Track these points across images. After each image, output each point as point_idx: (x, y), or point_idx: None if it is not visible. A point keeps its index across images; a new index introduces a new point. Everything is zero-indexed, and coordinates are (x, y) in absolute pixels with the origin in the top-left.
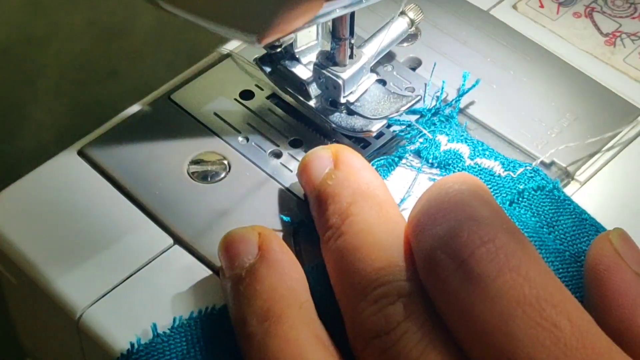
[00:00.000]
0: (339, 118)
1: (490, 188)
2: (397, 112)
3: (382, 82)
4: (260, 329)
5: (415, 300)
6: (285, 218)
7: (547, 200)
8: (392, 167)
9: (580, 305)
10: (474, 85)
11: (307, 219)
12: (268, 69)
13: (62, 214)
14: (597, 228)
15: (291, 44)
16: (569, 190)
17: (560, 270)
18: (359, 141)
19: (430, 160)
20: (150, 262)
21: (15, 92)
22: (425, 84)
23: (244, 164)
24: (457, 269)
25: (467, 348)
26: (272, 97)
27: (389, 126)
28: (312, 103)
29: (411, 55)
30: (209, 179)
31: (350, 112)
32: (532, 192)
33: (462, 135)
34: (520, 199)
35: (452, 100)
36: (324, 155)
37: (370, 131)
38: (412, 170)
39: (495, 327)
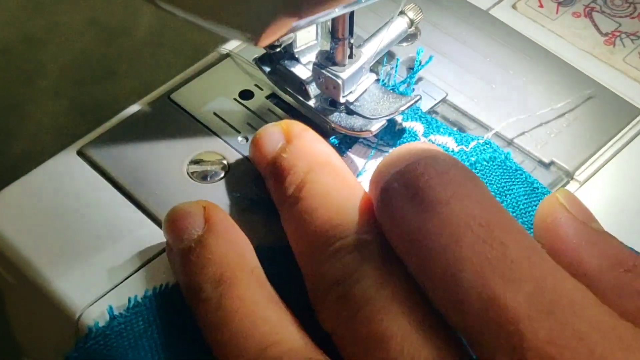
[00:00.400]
0: (338, 118)
1: None
2: (396, 111)
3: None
4: (215, 294)
5: (372, 249)
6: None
7: (500, 170)
8: (349, 145)
9: (527, 232)
10: (428, 61)
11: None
12: (267, 69)
13: (61, 213)
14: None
15: (291, 44)
16: (569, 190)
17: None
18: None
19: (384, 139)
20: (150, 261)
21: (15, 91)
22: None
23: (243, 164)
24: (411, 197)
25: (420, 276)
26: (272, 97)
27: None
28: (311, 103)
29: (411, 55)
30: (208, 178)
31: (350, 112)
32: (484, 163)
33: (417, 113)
34: (473, 170)
35: (407, 76)
36: (275, 131)
37: (369, 131)
38: (369, 149)
39: (446, 248)
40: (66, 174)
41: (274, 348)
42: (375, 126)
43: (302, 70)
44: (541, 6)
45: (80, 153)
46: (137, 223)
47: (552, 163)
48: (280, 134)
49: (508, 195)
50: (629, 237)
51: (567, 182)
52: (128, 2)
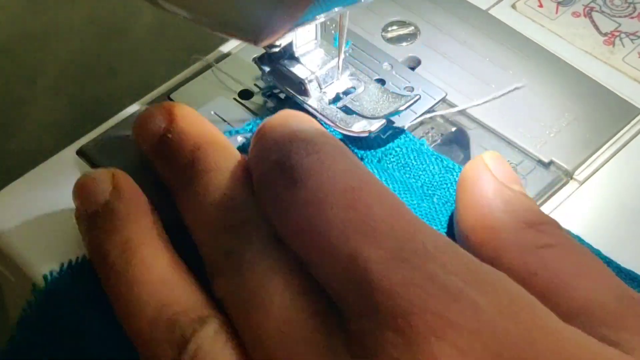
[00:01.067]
0: (337, 117)
1: (361, 149)
2: (395, 111)
3: (382, 81)
4: (120, 259)
5: (259, 222)
6: None
7: (414, 154)
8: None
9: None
10: (347, 44)
11: None
12: (267, 69)
13: (61, 213)
14: None
15: (290, 43)
16: (568, 189)
17: (431, 212)
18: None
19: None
20: None
21: (14, 90)
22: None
23: None
24: (285, 180)
25: (295, 246)
26: (272, 97)
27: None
28: (311, 102)
29: (410, 55)
30: None
31: (349, 112)
32: (398, 149)
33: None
34: (388, 155)
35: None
36: (156, 112)
37: (369, 130)
38: None
39: (313, 216)
40: (66, 173)
41: (170, 308)
42: (375, 125)
43: (302, 70)
44: (541, 6)
45: (79, 152)
46: None
47: (551, 162)
48: (162, 116)
49: (422, 176)
50: (629, 237)
51: (567, 182)
52: (128, 0)
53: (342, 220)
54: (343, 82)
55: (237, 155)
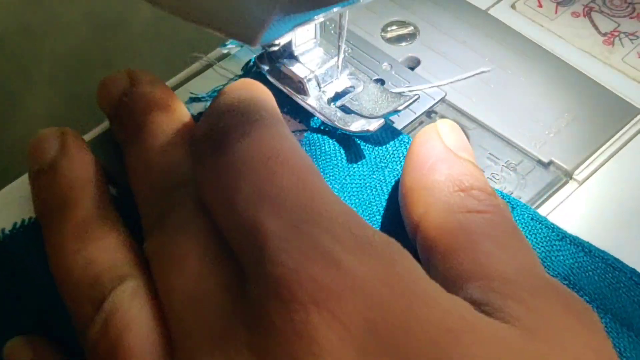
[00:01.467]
0: (336, 116)
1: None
2: (394, 110)
3: (381, 81)
4: (57, 216)
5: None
6: None
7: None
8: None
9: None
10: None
11: None
12: (266, 68)
13: None
14: None
15: (289, 42)
16: (568, 189)
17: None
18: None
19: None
20: None
21: (10, 83)
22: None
23: None
24: (209, 143)
25: (213, 212)
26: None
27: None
28: (310, 101)
29: (410, 55)
30: None
31: (348, 111)
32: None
33: None
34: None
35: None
36: (118, 77)
37: (367, 130)
38: None
39: (227, 185)
40: None
41: (95, 265)
42: (374, 125)
43: (301, 69)
44: (540, 6)
45: None
46: None
47: (551, 162)
48: (124, 80)
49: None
50: (628, 237)
51: (566, 182)
52: None
53: (250, 190)
54: (342, 81)
55: (188, 121)
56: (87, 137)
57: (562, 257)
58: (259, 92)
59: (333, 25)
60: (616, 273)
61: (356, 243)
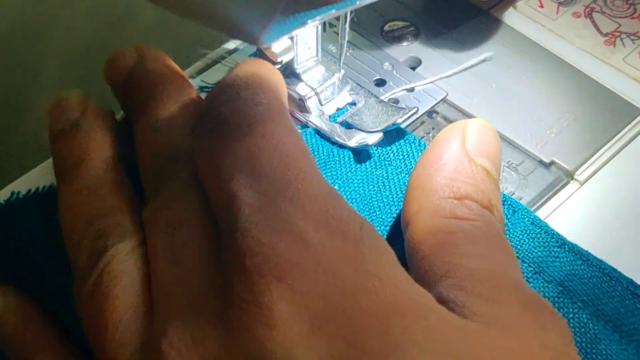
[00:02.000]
0: (337, 132)
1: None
2: (393, 124)
3: (382, 81)
4: (73, 169)
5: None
6: None
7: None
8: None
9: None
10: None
11: None
12: None
13: None
14: None
15: (291, 60)
16: (569, 190)
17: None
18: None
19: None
20: None
21: (15, 84)
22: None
23: None
24: (209, 116)
25: (204, 187)
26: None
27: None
28: (311, 118)
29: (411, 55)
30: None
31: (349, 126)
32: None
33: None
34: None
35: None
36: (127, 52)
37: (367, 144)
38: None
39: (214, 155)
40: None
41: (103, 220)
42: (373, 139)
43: (302, 87)
44: (541, 6)
45: None
46: None
47: (552, 163)
48: (133, 55)
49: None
50: (629, 237)
51: (568, 182)
52: None
53: (233, 163)
54: (343, 97)
55: (193, 96)
56: None
57: (559, 264)
58: (268, 74)
59: (334, 25)
60: (612, 282)
61: (328, 222)
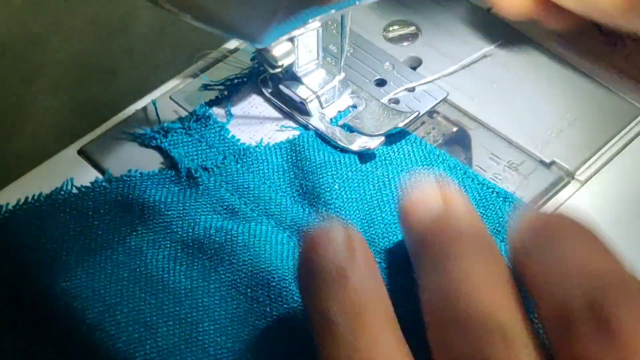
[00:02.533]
0: (338, 135)
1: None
2: (394, 128)
3: (383, 81)
4: (343, 321)
5: (518, 341)
6: None
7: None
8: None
9: None
10: None
11: None
12: (268, 90)
13: None
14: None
15: (292, 64)
16: (570, 189)
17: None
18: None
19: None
20: None
21: (14, 91)
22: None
23: None
24: (597, 327)
25: None
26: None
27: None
28: (312, 121)
29: (411, 55)
30: None
31: (351, 129)
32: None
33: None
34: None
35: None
36: (431, 193)
37: (368, 147)
38: None
39: None
40: (67, 173)
41: None
42: (375, 143)
43: (303, 90)
44: None
45: (81, 152)
46: None
47: (553, 163)
48: (437, 197)
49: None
50: (630, 237)
51: (568, 182)
52: (128, 0)
53: None
54: (344, 101)
55: (502, 264)
56: (89, 136)
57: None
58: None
59: (335, 25)
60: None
61: None
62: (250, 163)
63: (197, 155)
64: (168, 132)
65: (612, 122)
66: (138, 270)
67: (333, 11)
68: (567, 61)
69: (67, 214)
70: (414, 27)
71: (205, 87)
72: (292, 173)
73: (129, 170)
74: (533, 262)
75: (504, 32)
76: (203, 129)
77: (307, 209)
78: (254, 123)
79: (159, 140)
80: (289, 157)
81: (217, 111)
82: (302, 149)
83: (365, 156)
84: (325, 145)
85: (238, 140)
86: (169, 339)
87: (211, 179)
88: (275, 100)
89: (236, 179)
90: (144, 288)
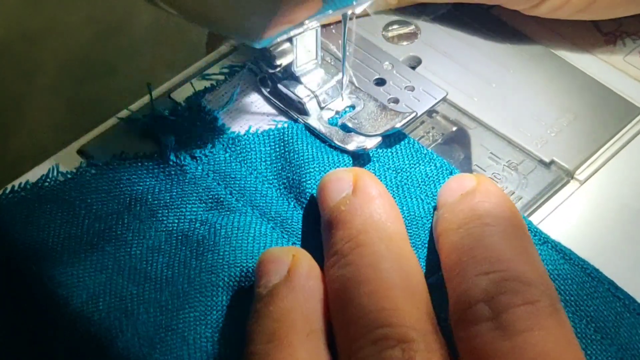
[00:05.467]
0: (336, 135)
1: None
2: (392, 128)
3: (382, 80)
4: (261, 350)
5: (416, 347)
6: None
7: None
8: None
9: None
10: None
11: None
12: (267, 89)
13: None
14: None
15: (290, 63)
16: (569, 189)
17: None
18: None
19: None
20: None
21: (13, 89)
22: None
23: None
24: (493, 321)
25: None
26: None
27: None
28: (310, 121)
29: (411, 54)
30: None
31: (348, 129)
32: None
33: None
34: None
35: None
36: (343, 178)
37: (365, 147)
38: None
39: None
40: (67, 172)
41: None
42: (372, 143)
43: (302, 90)
44: None
45: (80, 152)
46: None
47: (552, 162)
48: (348, 183)
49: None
50: (629, 236)
51: (568, 182)
52: None
53: None
54: (342, 101)
55: (407, 249)
56: (89, 135)
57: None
58: (525, 237)
59: (334, 25)
60: (594, 282)
61: None
62: (239, 152)
63: (186, 143)
64: (159, 118)
65: (611, 121)
66: (122, 260)
67: (330, 12)
68: (566, 60)
69: (53, 203)
70: (413, 27)
71: (204, 76)
72: (279, 164)
73: (114, 156)
74: (450, 247)
75: (503, 31)
76: (194, 116)
77: (292, 203)
78: (247, 113)
79: (149, 126)
80: (277, 146)
81: (211, 99)
82: (291, 141)
83: (361, 158)
84: (314, 139)
85: (228, 128)
86: (149, 326)
87: (199, 168)
88: (274, 100)
89: (224, 168)
90: (127, 277)
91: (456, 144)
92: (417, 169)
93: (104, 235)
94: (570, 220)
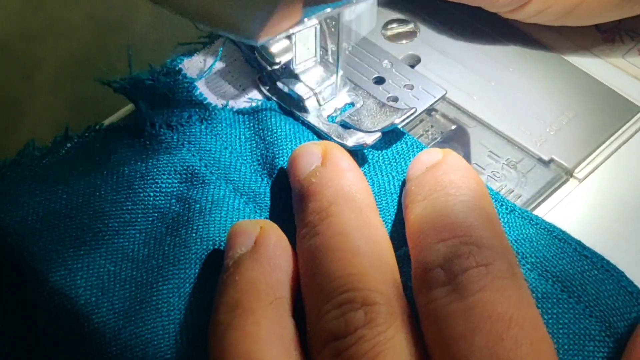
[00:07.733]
0: (335, 131)
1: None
2: (391, 124)
3: (381, 79)
4: (225, 319)
5: (379, 311)
6: None
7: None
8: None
9: (547, 336)
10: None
11: None
12: (266, 87)
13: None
14: None
15: (290, 61)
16: (568, 187)
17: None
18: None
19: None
20: None
21: (12, 87)
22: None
23: None
24: (449, 285)
25: (432, 354)
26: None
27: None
28: (309, 118)
29: (410, 53)
30: None
31: (347, 126)
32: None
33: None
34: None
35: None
36: (313, 151)
37: (365, 143)
38: None
39: (462, 336)
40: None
41: None
42: (371, 139)
43: (301, 87)
44: None
45: None
46: None
47: (551, 160)
48: (318, 156)
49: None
50: (629, 234)
51: (567, 180)
52: None
53: (489, 350)
54: (341, 98)
55: (375, 221)
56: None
57: (508, 228)
58: (490, 209)
59: (333, 23)
60: (561, 244)
61: None
62: (214, 125)
63: (163, 110)
64: (137, 81)
65: (610, 119)
66: (100, 233)
67: (329, 9)
68: (565, 59)
69: (32, 180)
70: (412, 25)
71: (182, 44)
72: (253, 142)
73: (88, 127)
74: (414, 218)
75: (502, 30)
76: (171, 83)
77: (265, 179)
78: (225, 83)
79: (127, 90)
80: (251, 124)
81: (189, 67)
82: (265, 119)
83: (360, 155)
84: (287, 117)
85: (205, 98)
86: (125, 301)
87: (174, 137)
88: (274, 98)
89: (199, 140)
90: (104, 255)
91: (455, 142)
92: (389, 147)
93: (81, 208)
94: (570, 218)
